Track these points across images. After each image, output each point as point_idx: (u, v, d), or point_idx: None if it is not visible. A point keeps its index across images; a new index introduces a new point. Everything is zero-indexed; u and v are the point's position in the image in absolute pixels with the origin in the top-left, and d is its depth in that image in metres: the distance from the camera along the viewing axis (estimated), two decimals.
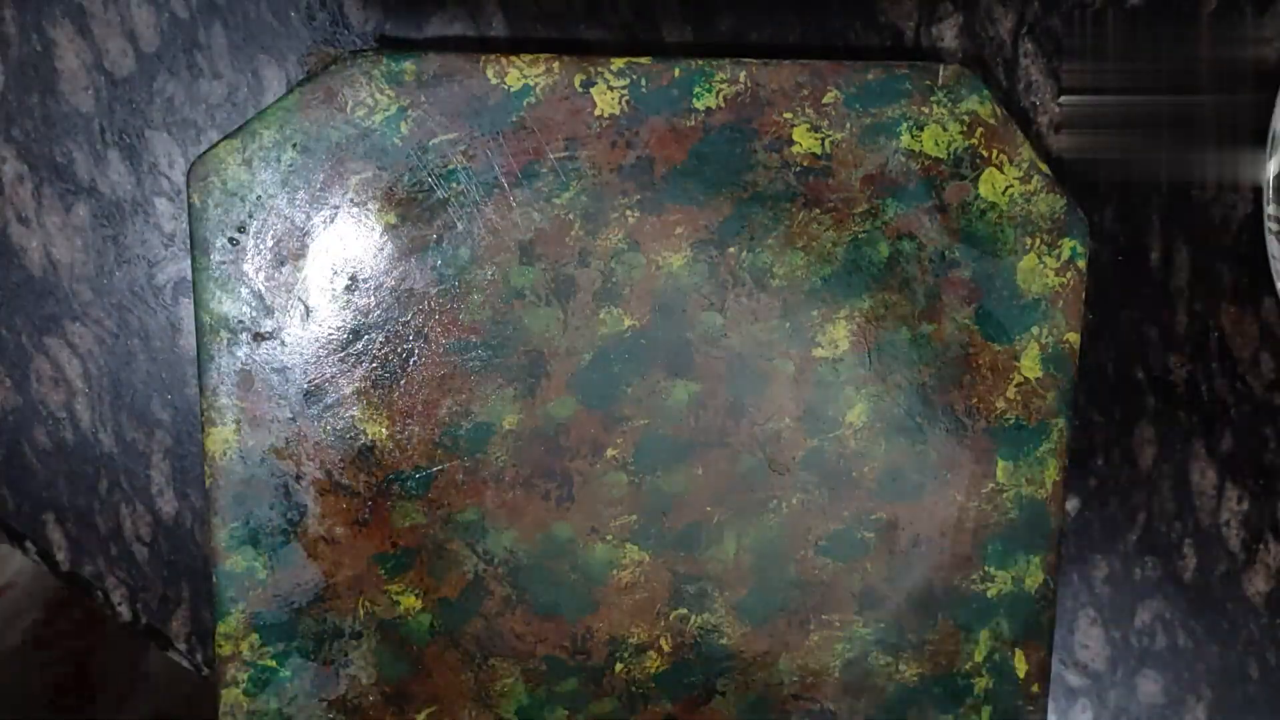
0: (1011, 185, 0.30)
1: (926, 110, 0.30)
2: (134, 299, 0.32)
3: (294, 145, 0.29)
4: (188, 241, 0.31)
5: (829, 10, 0.31)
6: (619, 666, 0.33)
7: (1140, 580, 0.34)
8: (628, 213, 0.31)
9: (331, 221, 0.30)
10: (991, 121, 0.30)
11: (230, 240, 0.30)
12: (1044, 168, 0.30)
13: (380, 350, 0.31)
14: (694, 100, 0.30)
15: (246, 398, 0.30)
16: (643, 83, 0.30)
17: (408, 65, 0.29)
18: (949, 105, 0.30)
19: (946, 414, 0.32)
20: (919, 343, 0.31)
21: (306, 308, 0.30)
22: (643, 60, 0.29)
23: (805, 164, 0.30)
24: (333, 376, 0.31)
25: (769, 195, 0.31)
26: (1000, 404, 0.31)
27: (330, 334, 0.30)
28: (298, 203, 0.30)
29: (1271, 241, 0.30)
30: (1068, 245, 0.31)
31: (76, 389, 0.33)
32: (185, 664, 0.35)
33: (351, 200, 0.30)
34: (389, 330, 0.31)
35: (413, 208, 0.30)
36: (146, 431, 0.33)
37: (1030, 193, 0.30)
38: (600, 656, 0.33)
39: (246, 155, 0.29)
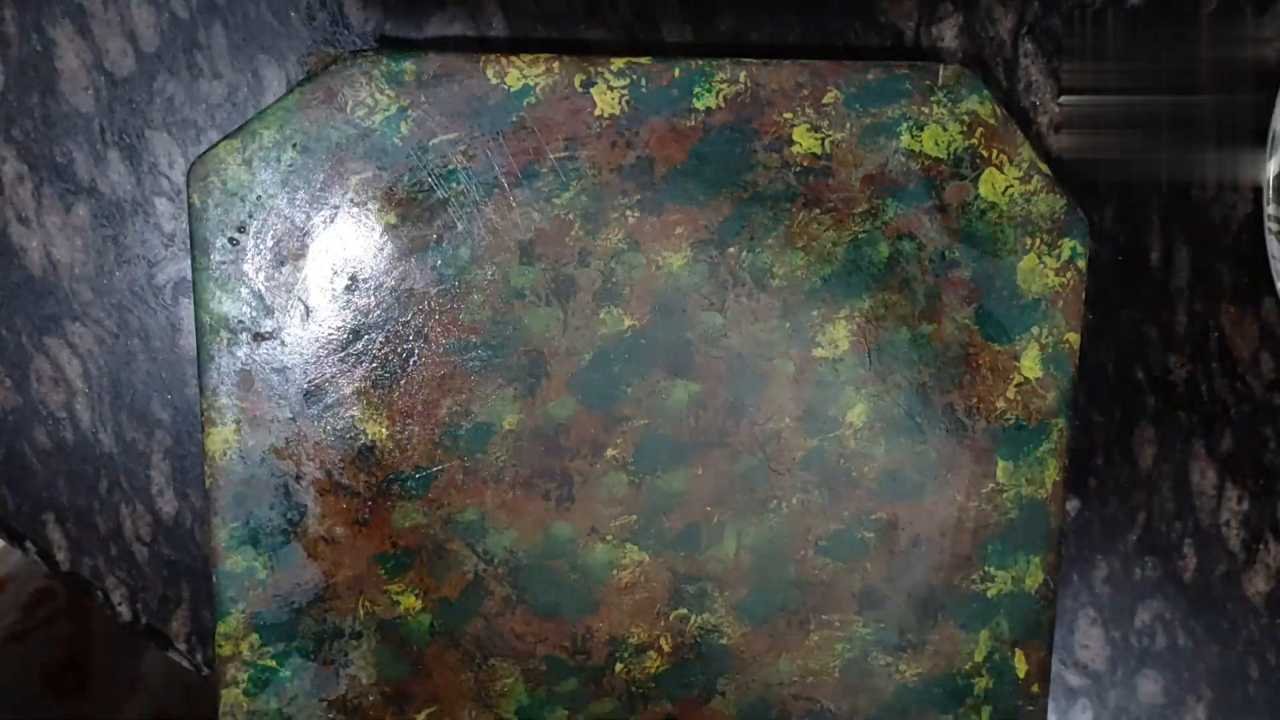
0: (1011, 185, 0.30)
1: (926, 110, 0.30)
2: (134, 299, 0.32)
3: (294, 145, 0.29)
4: (188, 241, 0.31)
5: (829, 10, 0.31)
6: (619, 666, 0.33)
7: (1140, 580, 0.34)
8: (628, 213, 0.31)
9: (331, 221, 0.30)
10: (991, 121, 0.30)
11: (230, 240, 0.30)
12: (1044, 168, 0.30)
13: (380, 350, 0.31)
14: (694, 100, 0.30)
15: (246, 398, 0.30)
16: (643, 83, 0.30)
17: (408, 65, 0.29)
18: (949, 105, 0.30)
19: (946, 414, 0.32)
20: (919, 343, 0.31)
21: (306, 308, 0.30)
22: (643, 60, 0.29)
23: (805, 164, 0.30)
24: (333, 376, 0.31)
25: (769, 195, 0.30)
26: (1000, 404, 0.31)
27: (330, 334, 0.30)
28: (298, 203, 0.30)
29: (1271, 241, 0.30)
30: (1068, 245, 0.31)
31: (76, 389, 0.33)
32: (185, 664, 0.35)
33: (351, 200, 0.30)
34: (389, 330, 0.31)
35: (413, 208, 0.30)
36: (146, 431, 0.33)
37: (1030, 193, 0.30)
38: (600, 656, 0.33)
39: (246, 155, 0.29)
